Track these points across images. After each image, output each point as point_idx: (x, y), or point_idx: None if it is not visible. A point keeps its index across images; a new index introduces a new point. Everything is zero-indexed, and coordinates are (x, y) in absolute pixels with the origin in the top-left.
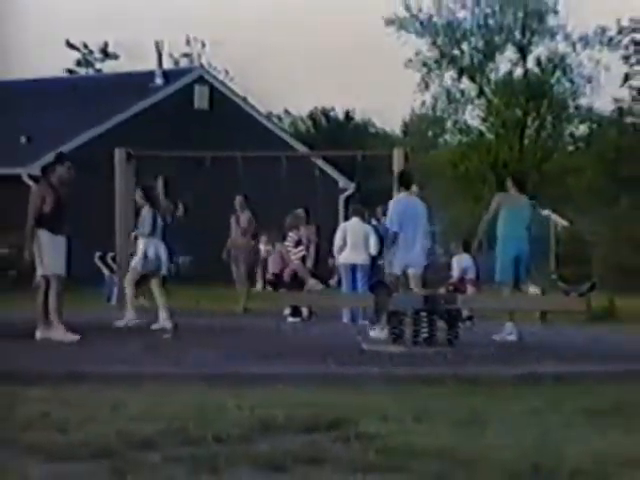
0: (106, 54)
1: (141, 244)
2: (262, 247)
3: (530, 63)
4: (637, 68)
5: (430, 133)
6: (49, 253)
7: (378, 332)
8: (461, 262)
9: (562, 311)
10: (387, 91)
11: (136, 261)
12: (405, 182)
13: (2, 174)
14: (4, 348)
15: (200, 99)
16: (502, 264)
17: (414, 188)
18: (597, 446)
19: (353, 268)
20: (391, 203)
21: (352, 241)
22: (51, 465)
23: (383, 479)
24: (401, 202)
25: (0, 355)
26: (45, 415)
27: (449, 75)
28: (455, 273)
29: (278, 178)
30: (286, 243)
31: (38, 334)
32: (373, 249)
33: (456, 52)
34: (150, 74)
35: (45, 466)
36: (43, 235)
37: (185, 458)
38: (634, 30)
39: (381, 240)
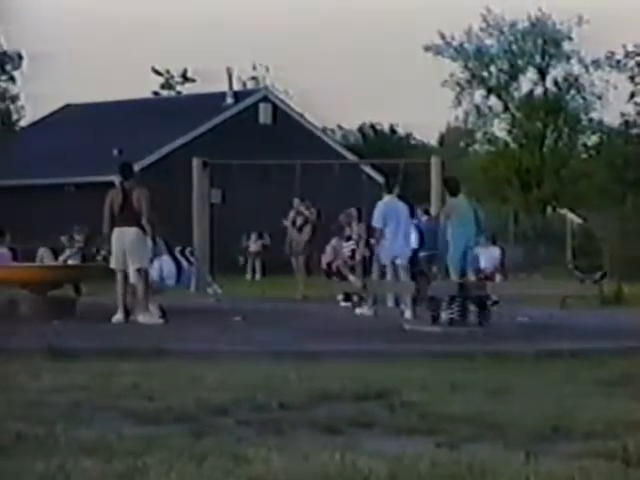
0: (185, 78)
1: None
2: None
3: (549, 83)
4: None
5: (462, 143)
6: (143, 249)
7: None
8: (491, 254)
9: (578, 296)
10: (426, 108)
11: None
12: (388, 188)
13: (99, 181)
14: (101, 329)
15: (265, 115)
16: (454, 258)
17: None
18: (607, 412)
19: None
20: (378, 204)
21: None
22: (141, 427)
23: (424, 440)
24: (387, 204)
25: (98, 334)
26: (136, 385)
27: (479, 93)
28: (485, 263)
29: (331, 182)
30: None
31: (140, 318)
32: (414, 243)
33: (485, 74)
34: (222, 95)
35: (137, 428)
36: (137, 234)
37: (254, 422)
38: (638, 54)
39: (421, 235)
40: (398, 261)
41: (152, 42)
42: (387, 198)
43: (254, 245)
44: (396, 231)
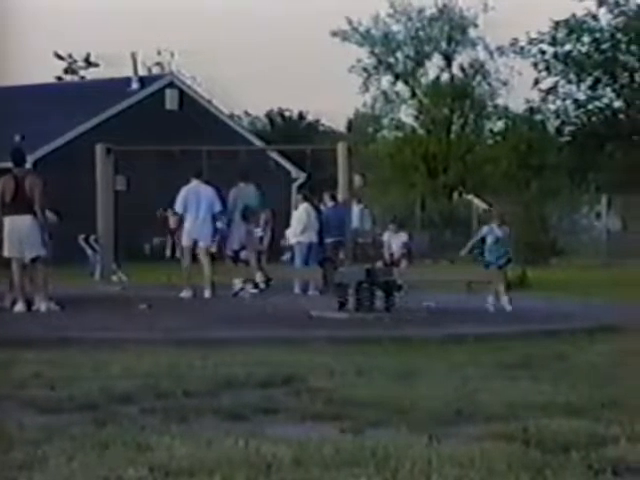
0: (89, 63)
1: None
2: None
3: (455, 69)
4: (544, 74)
5: (370, 129)
6: (39, 236)
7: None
8: (399, 239)
9: (484, 281)
10: (334, 94)
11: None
12: (197, 174)
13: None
14: (1, 318)
15: (171, 101)
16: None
17: (356, 178)
18: (509, 394)
19: (308, 246)
20: (182, 189)
21: (304, 224)
22: (42, 417)
23: (328, 426)
24: (189, 189)
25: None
26: (37, 375)
27: (386, 79)
28: (394, 249)
29: (238, 169)
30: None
31: (42, 306)
32: (316, 228)
33: (391, 60)
34: (127, 80)
35: (37, 417)
36: (32, 221)
37: (158, 410)
38: (541, 41)
39: (321, 222)
40: (200, 243)
41: (54, 26)
42: (193, 183)
43: None
44: (196, 215)
